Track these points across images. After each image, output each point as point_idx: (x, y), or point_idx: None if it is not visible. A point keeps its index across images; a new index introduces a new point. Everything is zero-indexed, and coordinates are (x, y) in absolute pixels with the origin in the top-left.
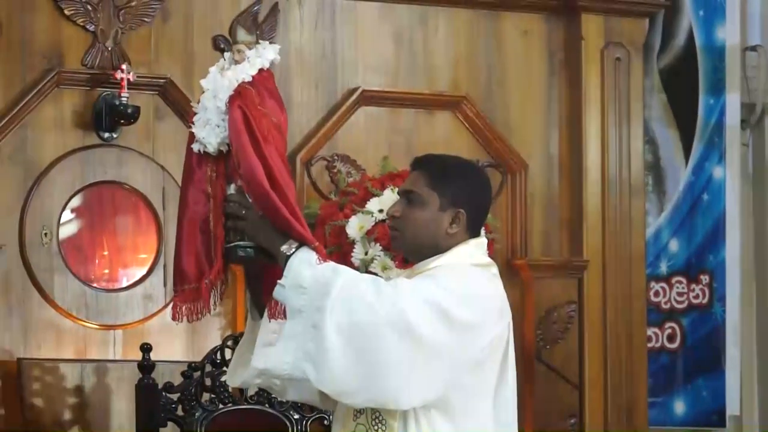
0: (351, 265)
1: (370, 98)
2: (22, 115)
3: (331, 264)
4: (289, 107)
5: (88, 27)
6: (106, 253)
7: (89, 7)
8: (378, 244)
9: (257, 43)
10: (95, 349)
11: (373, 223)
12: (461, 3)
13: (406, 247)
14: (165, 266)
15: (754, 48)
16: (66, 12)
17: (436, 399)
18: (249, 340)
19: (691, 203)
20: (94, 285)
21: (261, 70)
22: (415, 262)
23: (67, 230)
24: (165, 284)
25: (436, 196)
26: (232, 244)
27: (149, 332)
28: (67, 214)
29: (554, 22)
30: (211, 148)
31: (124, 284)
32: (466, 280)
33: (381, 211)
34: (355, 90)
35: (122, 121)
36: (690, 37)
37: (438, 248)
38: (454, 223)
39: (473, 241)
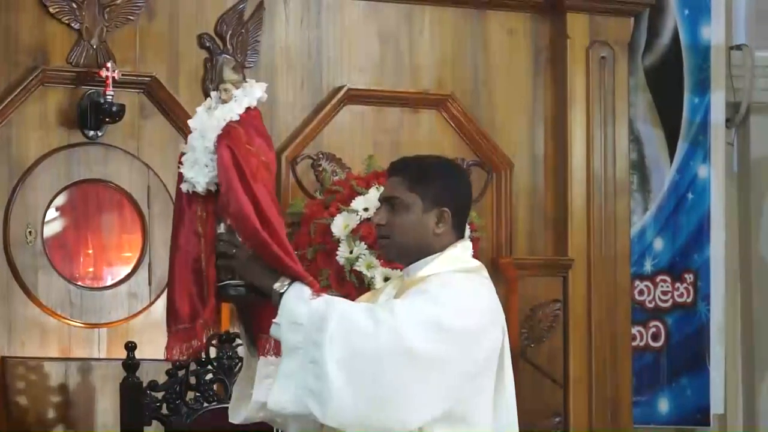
0: (336, 263)
1: (355, 97)
2: (7, 113)
3: (325, 297)
4: (274, 106)
5: (72, 25)
6: (90, 251)
7: (74, 5)
8: (363, 243)
9: (244, 81)
10: (80, 348)
11: (358, 222)
12: (447, 2)
13: (397, 253)
14: (150, 264)
15: (738, 47)
16: (51, 10)
17: (443, 413)
18: (247, 376)
19: (676, 202)
20: (79, 283)
21: (248, 109)
22: (405, 265)
23: (51, 228)
24: (150, 283)
25: (418, 198)
26: (224, 283)
27: (134, 331)
28: (51, 213)
29: (540, 21)
30: (200, 188)
31: (109, 282)
32: (458, 292)
33: (366, 209)
34: (340, 88)
35: (107, 120)
36: (675, 36)
37: (428, 249)
38: (440, 222)
39: (460, 244)
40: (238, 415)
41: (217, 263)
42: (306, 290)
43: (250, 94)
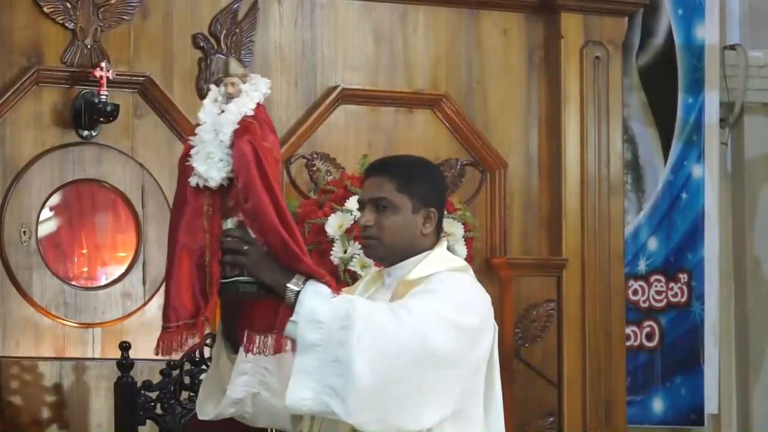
0: (330, 263)
1: (349, 96)
2: (1, 113)
3: (346, 296)
4: (268, 105)
5: (67, 25)
6: (85, 251)
7: (68, 4)
8: (357, 243)
9: (249, 75)
10: (74, 348)
11: (352, 222)
12: (441, 1)
13: (384, 254)
14: (144, 264)
15: (732, 47)
16: (45, 9)
17: (453, 411)
18: (216, 373)
19: (670, 202)
20: (73, 283)
21: (258, 104)
22: (386, 264)
23: (45, 228)
24: (144, 282)
25: (407, 199)
26: (232, 280)
27: (128, 330)
28: (45, 212)
29: (534, 20)
30: (213, 183)
31: (103, 282)
32: (462, 289)
33: None
34: (334, 88)
35: (101, 119)
36: (669, 36)
37: (414, 250)
38: (427, 223)
39: (444, 243)
40: (206, 412)
41: (223, 259)
42: (324, 288)
43: (260, 88)
